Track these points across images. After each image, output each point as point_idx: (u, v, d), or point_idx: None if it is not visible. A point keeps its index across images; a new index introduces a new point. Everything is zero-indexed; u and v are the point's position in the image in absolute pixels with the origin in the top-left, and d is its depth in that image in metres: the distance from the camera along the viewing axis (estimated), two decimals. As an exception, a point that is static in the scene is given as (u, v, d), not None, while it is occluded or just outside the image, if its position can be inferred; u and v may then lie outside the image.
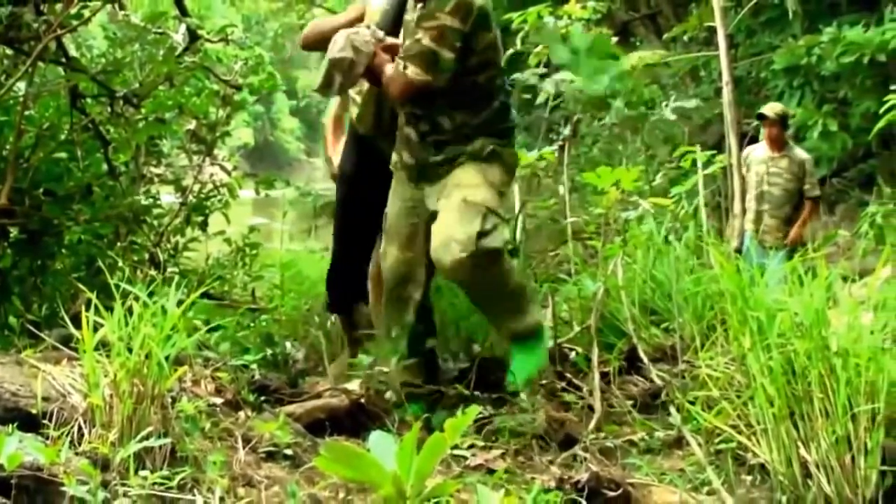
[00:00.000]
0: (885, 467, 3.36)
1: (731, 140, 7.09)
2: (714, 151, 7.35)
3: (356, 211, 4.77)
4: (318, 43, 4.48)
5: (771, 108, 6.95)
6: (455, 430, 1.97)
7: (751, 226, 6.96)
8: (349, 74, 4.07)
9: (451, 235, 3.90)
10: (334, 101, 5.14)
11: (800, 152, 6.95)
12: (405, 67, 3.93)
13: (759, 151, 7.09)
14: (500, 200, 4.08)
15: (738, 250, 5.97)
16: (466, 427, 2.09)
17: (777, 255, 6.55)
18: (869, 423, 3.35)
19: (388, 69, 4.06)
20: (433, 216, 4.07)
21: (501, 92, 4.17)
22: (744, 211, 6.92)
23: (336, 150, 5.00)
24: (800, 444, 3.32)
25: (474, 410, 2.05)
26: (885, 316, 3.72)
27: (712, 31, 7.52)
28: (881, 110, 4.98)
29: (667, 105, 7.06)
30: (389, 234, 4.27)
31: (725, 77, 7.13)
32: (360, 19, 4.56)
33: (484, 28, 3.96)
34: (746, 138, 7.84)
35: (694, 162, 7.24)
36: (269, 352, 4.35)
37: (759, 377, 3.51)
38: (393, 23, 4.43)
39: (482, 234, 3.89)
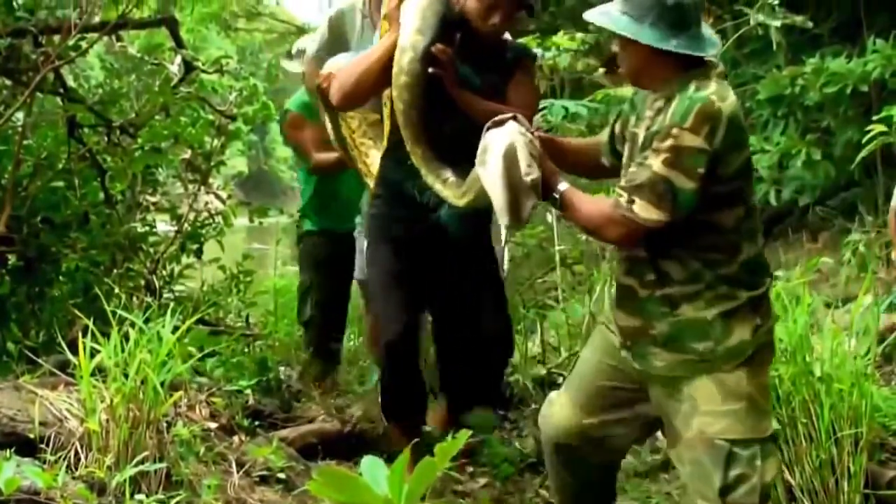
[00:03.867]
0: (868, 491, 3.43)
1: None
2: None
3: (411, 289, 3.78)
4: (364, 97, 3.77)
5: None
6: (445, 455, 2.01)
7: None
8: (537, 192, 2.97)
9: (691, 500, 2.94)
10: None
11: None
12: (630, 201, 2.81)
13: None
14: (757, 414, 2.88)
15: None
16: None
17: None
18: (852, 447, 3.41)
19: (597, 204, 2.97)
20: (652, 422, 3.11)
21: (751, 239, 2.93)
22: None
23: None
24: (784, 468, 3.38)
25: (465, 435, 2.09)
26: (867, 342, 3.78)
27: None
28: (864, 140, 5.06)
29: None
30: (571, 382, 3.26)
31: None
32: (394, 45, 3.61)
33: (737, 146, 2.83)
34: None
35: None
36: (263, 377, 4.40)
37: (743, 402, 3.56)
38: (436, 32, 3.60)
39: (727, 489, 2.83)
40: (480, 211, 3.46)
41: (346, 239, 4.86)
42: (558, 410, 3.17)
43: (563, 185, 2.98)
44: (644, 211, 2.79)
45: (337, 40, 4.63)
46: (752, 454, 2.83)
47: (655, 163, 2.75)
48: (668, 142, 2.74)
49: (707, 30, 2.93)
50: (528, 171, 2.92)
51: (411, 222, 3.74)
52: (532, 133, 3.02)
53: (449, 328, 3.99)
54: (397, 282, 3.74)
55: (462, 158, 3.28)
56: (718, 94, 2.78)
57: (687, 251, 2.86)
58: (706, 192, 2.76)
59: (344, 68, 3.83)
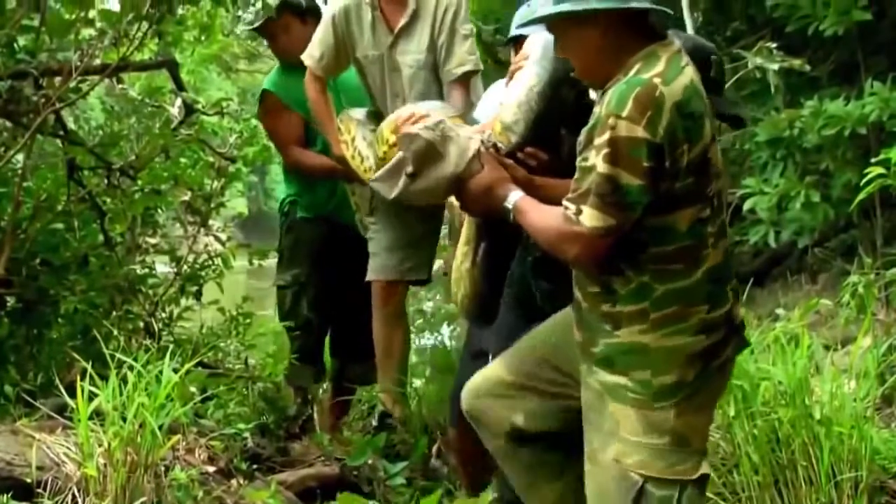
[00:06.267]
0: (868, 534, 3.41)
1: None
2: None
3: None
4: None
5: None
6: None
7: None
8: (423, 166, 2.85)
9: None
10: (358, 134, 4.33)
11: None
12: (578, 212, 2.49)
13: None
14: (683, 453, 2.58)
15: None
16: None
17: None
18: (852, 490, 3.41)
19: (550, 219, 2.62)
20: (571, 418, 2.79)
21: (715, 246, 2.57)
22: None
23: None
24: (785, 511, 3.37)
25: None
26: (867, 384, 3.78)
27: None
28: (862, 182, 5.07)
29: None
30: (512, 348, 3.00)
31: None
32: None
33: (689, 137, 2.45)
34: (731, 208, 7.95)
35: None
36: (262, 419, 4.39)
37: (743, 445, 3.57)
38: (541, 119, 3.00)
39: None
40: None
41: (348, 231, 4.74)
42: (482, 370, 3.00)
43: (514, 196, 2.71)
44: (590, 219, 2.47)
45: (343, 42, 4.50)
46: (667, 496, 2.55)
47: (597, 161, 2.44)
48: (606, 134, 2.42)
49: None
50: (424, 131, 2.84)
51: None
52: (488, 144, 2.89)
53: None
54: None
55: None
56: (665, 76, 2.45)
57: (634, 262, 2.53)
58: (656, 190, 2.45)
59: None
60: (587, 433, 2.69)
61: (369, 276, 4.60)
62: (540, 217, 2.66)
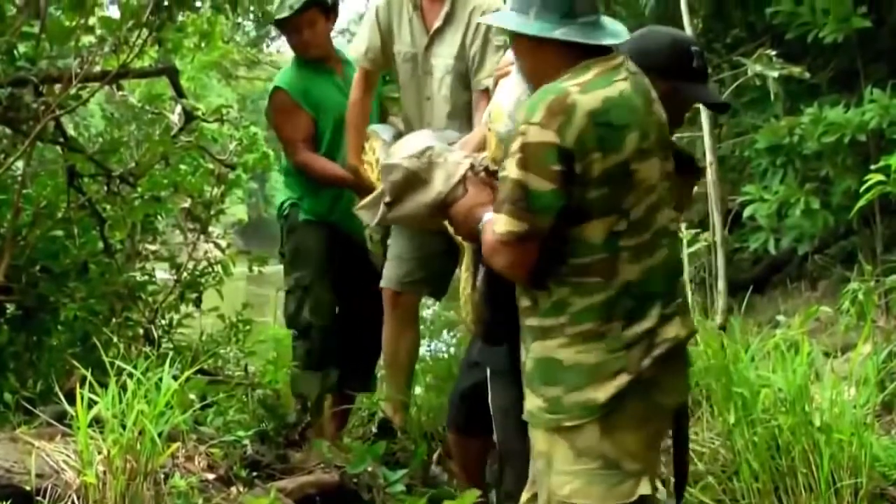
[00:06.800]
0: (868, 541, 3.41)
1: (716, 218, 7.20)
2: (699, 229, 7.46)
3: None
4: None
5: None
6: None
7: None
8: (404, 194, 2.89)
9: None
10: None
11: None
12: (496, 222, 2.53)
13: None
14: (616, 476, 2.53)
15: (723, 327, 6.03)
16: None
17: None
18: (852, 497, 3.41)
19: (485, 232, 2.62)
20: None
21: (635, 259, 2.52)
22: None
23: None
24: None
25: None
26: (867, 391, 3.78)
27: (696, 111, 7.67)
28: (861, 189, 5.08)
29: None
30: None
31: (709, 157, 7.26)
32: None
33: (603, 147, 2.44)
34: (731, 215, 7.96)
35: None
36: (261, 426, 4.38)
37: (743, 452, 3.58)
38: None
39: None
40: None
41: (351, 238, 4.66)
42: None
43: (486, 218, 2.66)
44: (502, 225, 2.47)
45: (386, 34, 4.46)
46: None
47: (510, 167, 2.45)
48: (518, 140, 2.45)
49: (609, 20, 2.64)
50: (404, 161, 2.90)
51: None
52: (479, 167, 2.88)
53: None
54: None
55: None
56: (586, 85, 2.46)
57: (556, 274, 2.51)
58: (569, 195, 2.44)
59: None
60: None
61: (381, 282, 4.57)
62: (486, 230, 2.63)
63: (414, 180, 2.96)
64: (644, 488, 2.55)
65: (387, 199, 3.00)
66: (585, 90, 2.45)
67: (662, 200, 2.55)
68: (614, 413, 2.49)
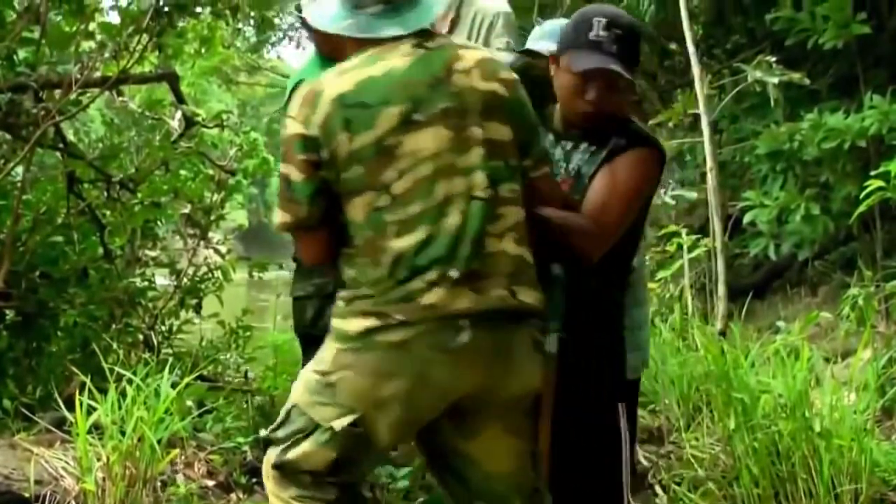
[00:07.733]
0: (868, 547, 3.41)
1: (716, 223, 7.20)
2: (699, 235, 7.45)
3: None
4: None
5: None
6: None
7: None
8: None
9: None
10: None
11: None
12: None
13: None
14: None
15: (723, 333, 6.04)
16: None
17: None
18: (852, 502, 3.40)
19: None
20: None
21: (399, 234, 2.45)
22: None
23: None
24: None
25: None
26: (867, 397, 3.78)
27: (697, 117, 7.67)
28: (862, 195, 5.08)
29: (665, 192, 7.17)
30: None
31: (710, 163, 7.26)
32: None
33: (350, 126, 2.44)
34: (731, 220, 7.96)
35: (679, 246, 7.33)
36: (261, 432, 4.37)
37: (744, 458, 3.57)
38: None
39: None
40: None
41: None
42: None
43: None
44: (275, 217, 2.61)
45: None
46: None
47: (281, 163, 2.55)
48: (284, 132, 2.56)
49: (419, 5, 2.58)
50: None
51: None
52: None
53: None
54: None
55: None
56: (344, 70, 2.51)
57: (341, 256, 2.56)
58: (323, 183, 2.48)
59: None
60: None
61: None
62: None
63: None
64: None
65: None
66: (341, 75, 2.50)
67: (448, 169, 2.46)
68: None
